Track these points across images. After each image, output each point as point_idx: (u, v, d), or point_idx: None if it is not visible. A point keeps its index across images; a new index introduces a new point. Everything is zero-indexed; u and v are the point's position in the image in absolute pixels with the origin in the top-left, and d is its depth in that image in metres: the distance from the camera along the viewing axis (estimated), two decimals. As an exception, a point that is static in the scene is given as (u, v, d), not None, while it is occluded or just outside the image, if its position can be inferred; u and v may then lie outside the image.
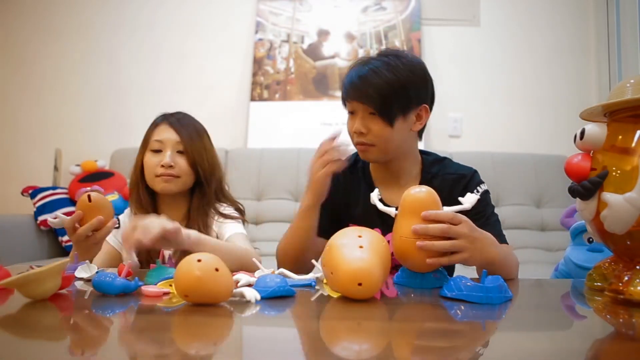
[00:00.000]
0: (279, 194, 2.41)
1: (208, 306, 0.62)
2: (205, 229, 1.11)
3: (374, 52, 1.10)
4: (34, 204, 2.27)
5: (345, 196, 1.12)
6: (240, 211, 1.21)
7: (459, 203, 0.82)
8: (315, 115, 2.68)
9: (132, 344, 0.51)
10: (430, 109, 1.10)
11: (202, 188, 1.15)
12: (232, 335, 0.55)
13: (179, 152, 1.13)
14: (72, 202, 2.31)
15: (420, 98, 1.06)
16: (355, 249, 0.67)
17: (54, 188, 2.37)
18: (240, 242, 1.10)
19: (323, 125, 2.68)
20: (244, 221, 1.19)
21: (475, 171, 1.13)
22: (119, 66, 2.79)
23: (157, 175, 1.11)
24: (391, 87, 0.99)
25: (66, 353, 0.47)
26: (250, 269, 0.87)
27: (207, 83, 2.74)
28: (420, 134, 1.12)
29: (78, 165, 2.48)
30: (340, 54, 2.75)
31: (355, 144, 1.05)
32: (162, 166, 1.10)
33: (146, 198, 1.15)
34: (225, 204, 1.19)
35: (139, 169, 1.15)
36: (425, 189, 0.80)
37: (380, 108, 1.00)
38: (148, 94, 2.76)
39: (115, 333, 0.55)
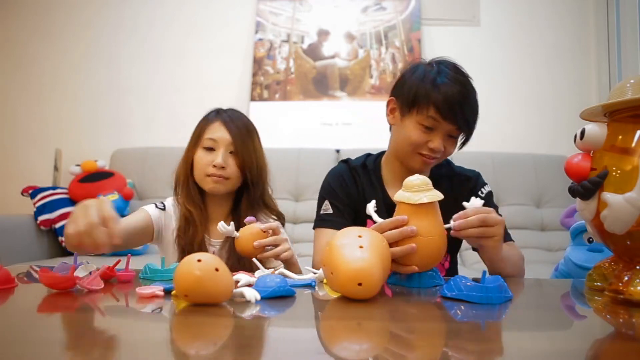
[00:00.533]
0: (279, 194, 2.39)
1: (208, 306, 0.62)
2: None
3: (434, 59, 1.10)
4: (34, 204, 2.27)
5: (361, 194, 1.14)
6: (280, 217, 1.22)
7: (464, 207, 0.84)
8: (315, 115, 2.69)
9: (132, 344, 0.51)
10: None
11: (249, 190, 1.16)
12: (232, 335, 0.55)
13: (231, 152, 1.12)
14: (72, 202, 2.31)
15: None
16: (356, 249, 0.67)
17: (54, 188, 2.37)
18: None
19: (323, 125, 2.68)
20: (283, 224, 1.19)
21: (479, 174, 1.19)
22: (119, 66, 2.79)
23: (207, 175, 1.11)
24: (476, 115, 1.05)
25: (64, 352, 0.47)
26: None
27: (207, 83, 2.75)
28: None
29: (78, 165, 2.48)
30: (340, 54, 2.75)
31: (421, 155, 1.05)
32: (214, 166, 1.10)
33: (196, 193, 1.15)
34: (266, 211, 1.20)
35: (189, 164, 1.15)
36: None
37: (467, 135, 1.07)
38: (148, 94, 2.76)
39: (114, 333, 0.55)
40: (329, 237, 0.96)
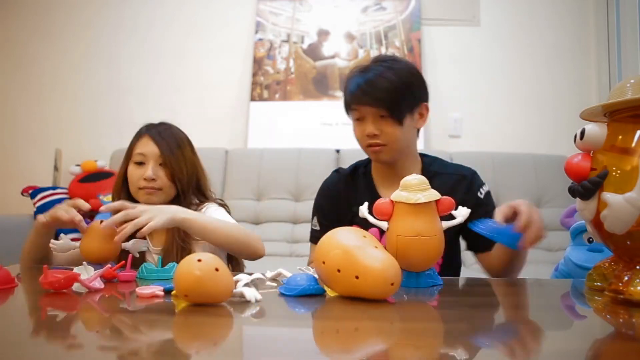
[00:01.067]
0: (279, 194, 2.41)
1: (208, 306, 0.62)
2: (187, 237, 1.11)
3: (369, 58, 1.14)
4: (34, 204, 2.27)
5: (354, 199, 1.12)
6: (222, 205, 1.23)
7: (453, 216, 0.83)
8: (315, 115, 2.69)
9: (132, 345, 0.51)
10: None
11: (185, 199, 1.18)
12: (232, 335, 0.55)
13: (161, 164, 1.15)
14: (72, 202, 2.31)
15: (422, 97, 1.12)
16: (373, 249, 0.67)
17: (54, 188, 2.37)
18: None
19: (323, 125, 2.68)
20: (228, 210, 1.21)
21: (475, 172, 1.16)
22: (119, 66, 2.79)
23: (140, 188, 1.13)
24: (398, 88, 1.05)
25: (64, 352, 0.47)
26: (257, 250, 1.02)
27: (207, 83, 2.75)
28: (417, 132, 1.17)
29: (78, 165, 2.48)
30: (340, 54, 2.75)
31: (367, 146, 1.10)
32: (145, 179, 1.12)
33: None
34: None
35: (122, 179, 1.18)
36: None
37: (391, 109, 1.05)
38: (148, 94, 2.76)
39: (114, 333, 0.55)
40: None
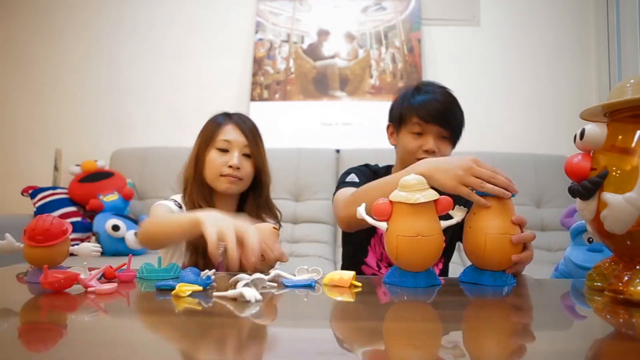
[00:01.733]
0: (279, 194, 2.40)
1: (208, 306, 0.62)
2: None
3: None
4: (34, 204, 2.27)
5: None
6: (279, 215, 1.26)
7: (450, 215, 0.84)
8: (315, 115, 2.69)
9: (132, 344, 0.51)
10: None
11: (257, 192, 1.19)
12: (232, 335, 0.55)
13: (245, 154, 1.15)
14: (72, 202, 2.31)
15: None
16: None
17: (54, 188, 2.37)
18: None
19: (323, 125, 2.68)
20: (280, 226, 1.22)
21: None
22: (119, 66, 2.79)
23: (222, 175, 1.12)
24: (462, 116, 1.22)
25: (64, 352, 0.47)
26: None
27: (207, 83, 2.75)
28: None
29: (78, 165, 2.48)
30: (340, 54, 2.75)
31: (419, 160, 1.15)
32: (230, 167, 1.12)
33: (207, 192, 1.16)
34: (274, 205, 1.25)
35: (199, 164, 1.16)
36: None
37: (456, 134, 1.21)
38: (148, 94, 2.76)
39: (114, 334, 0.55)
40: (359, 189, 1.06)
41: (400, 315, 0.66)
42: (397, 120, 1.23)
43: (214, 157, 1.14)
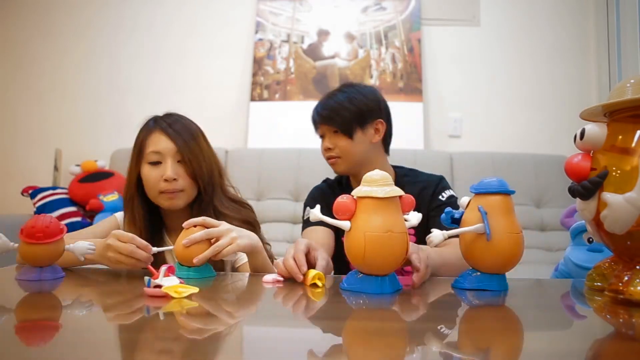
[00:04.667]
0: (279, 194, 2.41)
1: (207, 306, 0.62)
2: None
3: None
4: (34, 204, 2.27)
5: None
6: (244, 206, 1.14)
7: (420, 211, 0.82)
8: (315, 115, 2.68)
9: (132, 344, 0.51)
10: (388, 124, 1.28)
11: (201, 197, 1.07)
12: (232, 335, 0.55)
13: (179, 161, 1.04)
14: (72, 202, 2.31)
15: (374, 114, 1.25)
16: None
17: (54, 188, 2.37)
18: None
19: (323, 125, 2.68)
20: (256, 226, 1.10)
21: (442, 178, 1.27)
22: (119, 66, 2.79)
23: (161, 192, 1.03)
24: (346, 107, 1.22)
25: (64, 348, 0.47)
26: None
27: (207, 83, 2.75)
28: (386, 148, 1.30)
29: (78, 165, 2.48)
30: (340, 54, 2.75)
31: (327, 159, 1.26)
32: (166, 180, 1.02)
33: (140, 214, 1.07)
34: (228, 209, 1.09)
35: (135, 183, 1.06)
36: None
37: (340, 125, 1.22)
38: (148, 94, 2.76)
39: (115, 333, 0.55)
40: (313, 233, 1.16)
41: (396, 315, 0.65)
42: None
43: (147, 173, 1.04)
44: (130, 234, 0.86)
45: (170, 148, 1.04)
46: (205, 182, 1.06)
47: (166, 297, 0.68)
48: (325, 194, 1.30)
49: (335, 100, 1.24)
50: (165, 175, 1.01)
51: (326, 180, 1.39)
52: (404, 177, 1.26)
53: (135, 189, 1.06)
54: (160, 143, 1.04)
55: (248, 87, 2.72)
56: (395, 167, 1.31)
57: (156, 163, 1.04)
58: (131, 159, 1.08)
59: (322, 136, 1.28)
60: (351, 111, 1.22)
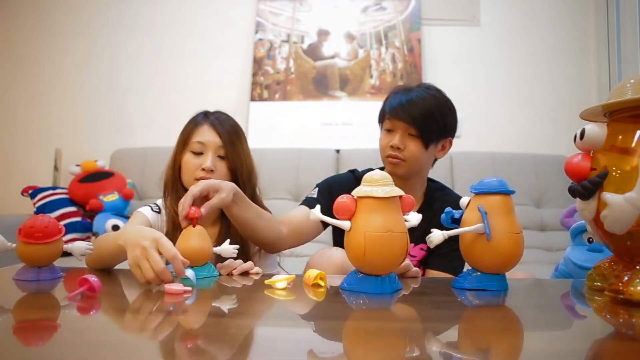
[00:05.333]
0: (279, 194, 2.40)
1: (207, 306, 0.62)
2: (242, 240, 1.07)
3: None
4: (34, 204, 2.27)
5: None
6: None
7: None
8: (315, 115, 2.69)
9: (132, 344, 0.51)
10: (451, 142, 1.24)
11: None
12: (232, 335, 0.55)
13: (220, 156, 1.10)
14: (72, 202, 2.31)
15: (451, 130, 1.21)
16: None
17: (54, 188, 2.37)
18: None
19: (323, 125, 2.68)
20: None
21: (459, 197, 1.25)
22: (119, 66, 2.79)
23: (196, 179, 1.06)
24: (434, 114, 1.15)
25: (63, 348, 0.47)
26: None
27: (207, 83, 2.74)
28: (434, 162, 1.26)
29: (78, 165, 2.47)
30: (340, 54, 2.75)
31: (387, 157, 1.18)
32: (203, 169, 1.07)
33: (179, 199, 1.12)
34: None
35: (177, 167, 1.12)
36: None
37: (422, 130, 1.14)
38: (148, 94, 2.76)
39: (115, 334, 0.55)
40: (305, 211, 1.13)
41: (394, 315, 0.65)
42: (379, 120, 1.25)
43: (188, 160, 1.10)
44: (174, 251, 0.77)
45: (215, 142, 1.10)
46: (244, 180, 1.11)
47: (179, 294, 0.69)
48: (344, 188, 1.24)
49: (425, 104, 1.16)
50: (204, 165, 1.07)
51: (353, 172, 1.29)
52: (436, 190, 1.24)
53: (178, 175, 1.12)
54: (206, 135, 1.11)
55: (248, 87, 2.72)
56: (429, 180, 1.28)
57: (198, 153, 1.10)
58: (176, 147, 1.14)
59: (389, 130, 1.19)
60: (439, 124, 1.16)
